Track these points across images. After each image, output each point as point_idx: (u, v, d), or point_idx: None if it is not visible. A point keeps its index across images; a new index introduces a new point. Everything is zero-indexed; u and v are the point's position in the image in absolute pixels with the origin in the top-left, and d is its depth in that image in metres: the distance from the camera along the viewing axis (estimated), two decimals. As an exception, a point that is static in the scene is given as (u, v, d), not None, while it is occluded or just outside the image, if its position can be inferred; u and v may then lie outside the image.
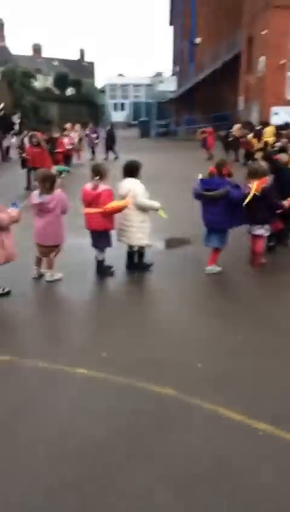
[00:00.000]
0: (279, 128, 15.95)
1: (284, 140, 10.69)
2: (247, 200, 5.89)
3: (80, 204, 5.97)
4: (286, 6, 23.36)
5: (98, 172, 5.83)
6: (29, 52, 62.37)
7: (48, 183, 5.71)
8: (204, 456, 2.94)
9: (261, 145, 14.80)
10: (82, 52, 70.16)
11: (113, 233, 6.11)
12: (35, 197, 5.75)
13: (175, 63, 48.31)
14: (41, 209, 5.74)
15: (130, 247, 6.26)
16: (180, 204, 8.93)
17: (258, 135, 15.97)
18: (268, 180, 6.26)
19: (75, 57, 69.11)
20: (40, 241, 5.86)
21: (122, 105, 55.24)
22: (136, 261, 6.34)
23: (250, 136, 16.53)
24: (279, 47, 24.14)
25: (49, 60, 61.33)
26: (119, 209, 5.76)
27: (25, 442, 3.09)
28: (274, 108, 23.31)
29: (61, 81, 48.75)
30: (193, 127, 30.32)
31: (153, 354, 4.19)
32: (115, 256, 6.29)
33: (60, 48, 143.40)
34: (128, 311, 5.22)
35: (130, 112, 54.51)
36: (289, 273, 6.36)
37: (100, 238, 6.02)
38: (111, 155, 19.86)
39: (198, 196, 6.07)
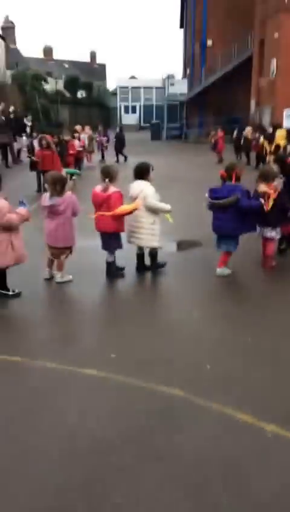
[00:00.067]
0: (291, 131, 15.92)
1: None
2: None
3: (91, 207, 6.00)
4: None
5: (108, 174, 5.85)
6: (40, 54, 61.91)
7: (59, 186, 5.73)
8: (213, 457, 2.94)
9: (272, 148, 14.77)
10: (93, 54, 69.10)
11: (123, 235, 6.14)
12: (46, 199, 5.79)
13: (186, 65, 48.34)
14: (52, 212, 5.78)
15: (140, 248, 6.29)
16: (191, 207, 8.93)
17: (270, 138, 15.93)
18: (279, 183, 6.26)
19: (86, 59, 68.31)
20: (51, 242, 5.90)
21: (134, 107, 55.33)
22: (147, 262, 6.35)
23: (261, 139, 16.51)
24: (291, 50, 24.09)
25: (60, 62, 61.16)
26: (129, 213, 5.79)
27: (34, 442, 3.11)
28: (287, 110, 23.18)
29: (72, 83, 49.02)
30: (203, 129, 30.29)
31: (162, 355, 4.21)
32: (125, 258, 6.31)
33: (71, 50, 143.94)
34: (138, 312, 5.24)
35: (141, 115, 54.57)
36: (299, 276, 6.33)
37: (110, 240, 6.04)
38: (121, 157, 19.99)
39: (210, 207, 6.09)
